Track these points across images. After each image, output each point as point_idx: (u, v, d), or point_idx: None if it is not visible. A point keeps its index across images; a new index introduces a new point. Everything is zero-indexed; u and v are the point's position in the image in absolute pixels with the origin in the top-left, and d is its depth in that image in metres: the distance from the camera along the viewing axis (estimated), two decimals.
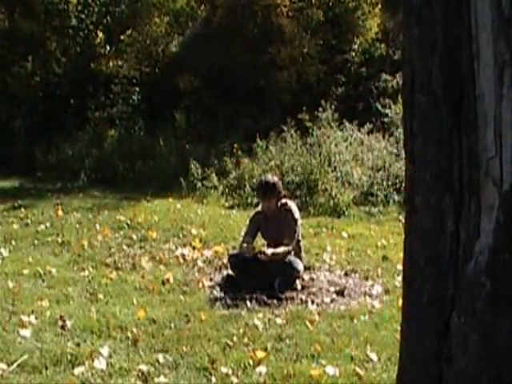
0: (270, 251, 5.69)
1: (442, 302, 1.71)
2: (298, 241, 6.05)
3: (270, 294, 5.53)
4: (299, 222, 6.01)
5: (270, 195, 5.94)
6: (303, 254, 6.19)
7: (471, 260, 1.64)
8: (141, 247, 7.48)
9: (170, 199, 11.16)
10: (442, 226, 1.71)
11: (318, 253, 7.23)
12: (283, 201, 6.02)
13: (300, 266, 5.88)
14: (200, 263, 6.69)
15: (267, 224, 6.08)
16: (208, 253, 7.07)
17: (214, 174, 11.99)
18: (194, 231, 8.21)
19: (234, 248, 7.20)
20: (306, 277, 6.14)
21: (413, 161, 1.80)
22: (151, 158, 13.52)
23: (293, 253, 5.93)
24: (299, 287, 5.80)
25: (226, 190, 11.69)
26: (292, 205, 6.07)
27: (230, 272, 6.14)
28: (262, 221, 6.13)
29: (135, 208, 10.24)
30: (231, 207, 10.84)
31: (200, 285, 5.89)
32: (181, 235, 8.08)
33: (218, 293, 5.64)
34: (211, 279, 6.11)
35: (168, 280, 5.97)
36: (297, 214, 5.96)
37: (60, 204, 10.45)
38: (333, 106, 13.20)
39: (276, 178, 6.18)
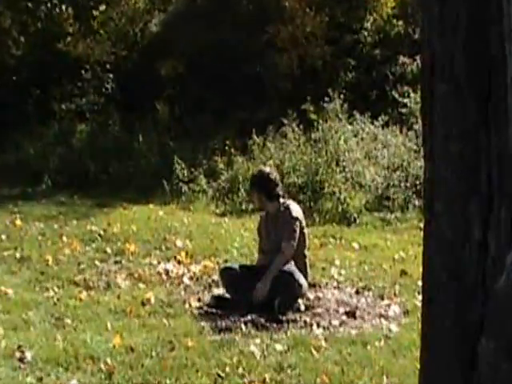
0: (259, 284, 5.73)
1: (467, 324, 1.72)
2: (304, 255, 6.07)
3: (268, 315, 5.53)
4: (303, 223, 6.03)
5: (258, 188, 6.10)
6: (308, 270, 6.19)
7: (502, 275, 1.65)
8: (116, 262, 7.47)
9: (151, 205, 11.15)
10: (466, 236, 1.71)
11: (325, 267, 7.23)
12: (281, 200, 6.10)
13: (302, 280, 5.89)
14: (186, 280, 6.69)
15: (266, 229, 6.19)
16: (196, 268, 7.07)
17: (202, 176, 11.98)
18: (179, 243, 8.21)
19: (226, 261, 7.20)
20: (311, 295, 6.13)
21: (432, 159, 1.81)
22: (128, 157, 13.51)
23: (293, 263, 5.94)
24: (303, 308, 5.80)
25: (217, 194, 11.69)
26: (292, 204, 6.16)
27: (222, 290, 6.15)
28: (262, 227, 6.27)
29: (109, 216, 10.22)
30: (223, 214, 10.83)
31: (186, 306, 5.88)
32: (164, 248, 8.08)
33: (207, 315, 5.64)
34: (200, 299, 6.11)
35: (149, 301, 5.96)
36: (296, 213, 6.00)
37: (19, 212, 10.43)
38: (341, 95, 13.19)
39: (271, 171, 6.33)
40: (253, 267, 6.25)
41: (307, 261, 6.16)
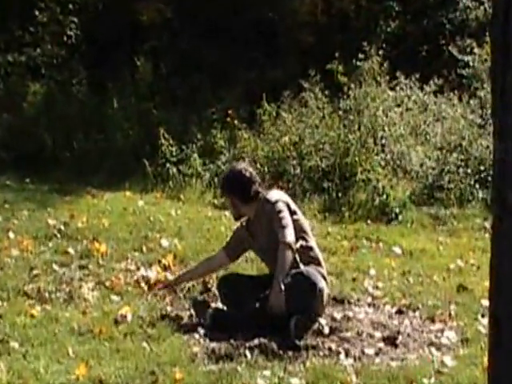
0: (272, 294, 5.76)
1: None
2: (310, 248, 6.09)
3: (282, 339, 5.54)
4: (291, 205, 6.08)
5: (229, 190, 6.26)
6: (325, 273, 6.15)
7: None
8: (82, 267, 7.47)
9: (128, 193, 11.16)
10: None
11: (356, 278, 7.24)
12: (259, 196, 6.17)
13: (322, 284, 5.88)
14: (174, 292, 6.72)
15: (253, 235, 6.26)
16: None
17: (196, 155, 11.99)
18: (164, 243, 8.22)
19: (226, 268, 7.22)
20: (338, 314, 6.15)
21: (504, 137, 1.81)
22: (98, 129, 13.51)
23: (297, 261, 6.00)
24: (327, 330, 5.81)
25: (215, 179, 11.69)
26: (270, 192, 6.26)
27: (221, 305, 6.19)
28: (247, 235, 6.31)
29: (73, 206, 10.24)
30: (222, 206, 10.84)
31: (174, 325, 5.91)
32: (144, 249, 8.09)
33: (201, 337, 5.66)
34: (191, 316, 6.14)
35: (124, 318, 5.97)
36: (276, 196, 6.09)
37: None
38: (380, 51, 13.18)
39: (244, 167, 6.41)
40: (258, 277, 6.28)
41: (321, 259, 6.14)
